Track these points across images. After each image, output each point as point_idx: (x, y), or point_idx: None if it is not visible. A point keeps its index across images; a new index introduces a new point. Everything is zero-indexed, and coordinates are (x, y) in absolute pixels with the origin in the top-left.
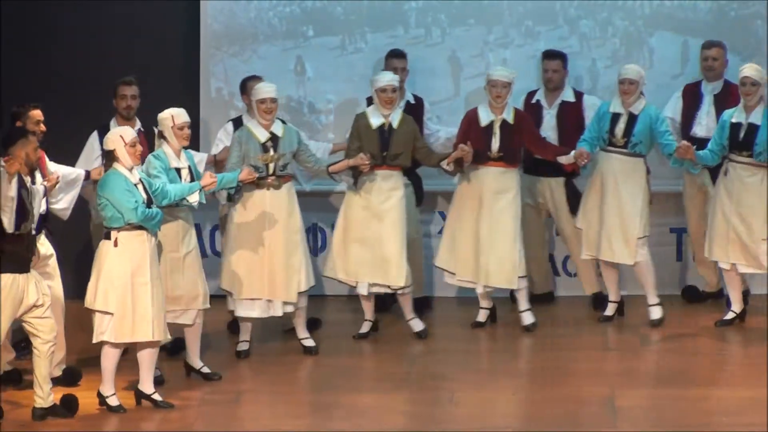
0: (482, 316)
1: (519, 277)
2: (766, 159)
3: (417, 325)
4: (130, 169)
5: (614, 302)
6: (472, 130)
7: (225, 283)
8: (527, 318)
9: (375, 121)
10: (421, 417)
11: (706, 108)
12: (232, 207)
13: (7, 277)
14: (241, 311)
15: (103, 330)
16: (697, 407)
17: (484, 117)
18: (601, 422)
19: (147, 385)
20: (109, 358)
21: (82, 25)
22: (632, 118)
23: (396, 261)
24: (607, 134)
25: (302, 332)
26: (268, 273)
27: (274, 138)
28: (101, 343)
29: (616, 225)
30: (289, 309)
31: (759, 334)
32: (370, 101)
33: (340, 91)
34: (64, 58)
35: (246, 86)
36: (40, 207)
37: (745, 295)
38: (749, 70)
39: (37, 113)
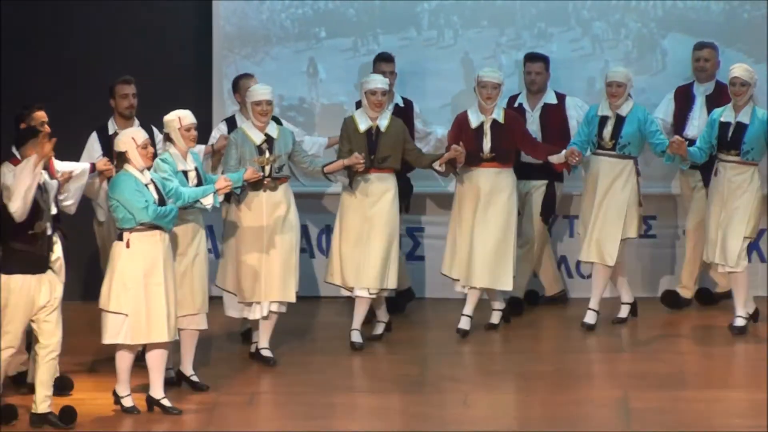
0: (495, 317)
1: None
2: (753, 158)
3: (356, 336)
4: (141, 171)
5: (627, 303)
6: (462, 132)
7: (228, 284)
8: (494, 317)
9: (362, 124)
10: (435, 419)
11: (698, 109)
12: (228, 208)
13: (17, 279)
14: (242, 314)
15: (118, 331)
16: (711, 409)
17: (474, 119)
18: (614, 424)
19: (157, 390)
20: (124, 360)
21: (93, 26)
22: (620, 120)
23: (374, 264)
24: (596, 137)
25: (264, 341)
26: (266, 274)
27: (269, 140)
28: (115, 345)
29: (602, 226)
30: (283, 309)
31: None
32: (358, 105)
33: (352, 93)
34: (74, 59)
35: (238, 84)
36: (52, 205)
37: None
38: (739, 70)
39: (41, 114)
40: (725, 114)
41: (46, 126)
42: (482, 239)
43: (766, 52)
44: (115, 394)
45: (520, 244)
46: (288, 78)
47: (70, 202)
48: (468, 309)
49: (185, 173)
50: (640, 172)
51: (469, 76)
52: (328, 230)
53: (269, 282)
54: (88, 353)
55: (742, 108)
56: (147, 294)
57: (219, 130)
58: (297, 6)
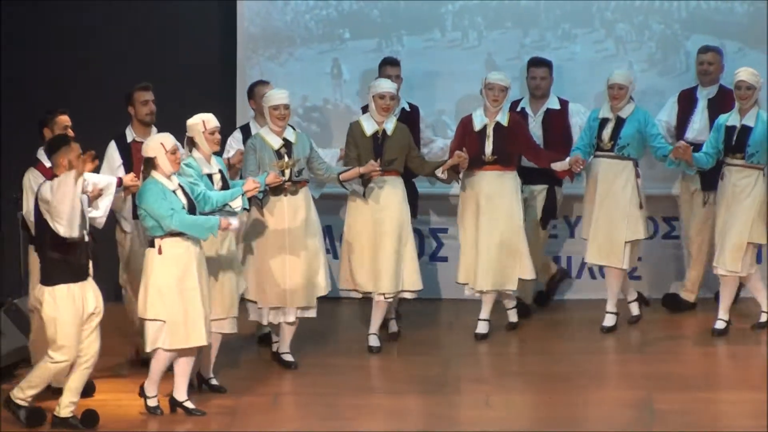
0: (512, 316)
1: (527, 279)
2: (759, 161)
3: (374, 341)
4: (169, 177)
5: (635, 300)
6: (467, 135)
7: (250, 292)
8: (511, 316)
9: (369, 128)
10: (457, 419)
11: (700, 112)
12: (249, 216)
13: (62, 289)
14: (270, 319)
15: (157, 338)
16: (735, 411)
17: (478, 121)
18: (637, 425)
19: (181, 393)
20: (160, 362)
21: (115, 28)
22: (620, 122)
23: (387, 267)
24: (596, 139)
25: (285, 346)
26: (290, 280)
27: (287, 144)
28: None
29: (603, 228)
30: (310, 314)
31: None
32: (364, 110)
33: None
34: (94, 61)
35: (253, 91)
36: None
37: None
38: (745, 74)
39: (64, 119)
40: (731, 118)
41: (70, 130)
42: (486, 243)
43: None
44: (142, 391)
45: None
46: (312, 79)
47: (99, 215)
48: (484, 313)
49: (210, 176)
50: (639, 174)
51: None
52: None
53: (294, 287)
54: (112, 355)
55: (747, 111)
56: (183, 299)
57: (234, 138)
58: (321, 7)
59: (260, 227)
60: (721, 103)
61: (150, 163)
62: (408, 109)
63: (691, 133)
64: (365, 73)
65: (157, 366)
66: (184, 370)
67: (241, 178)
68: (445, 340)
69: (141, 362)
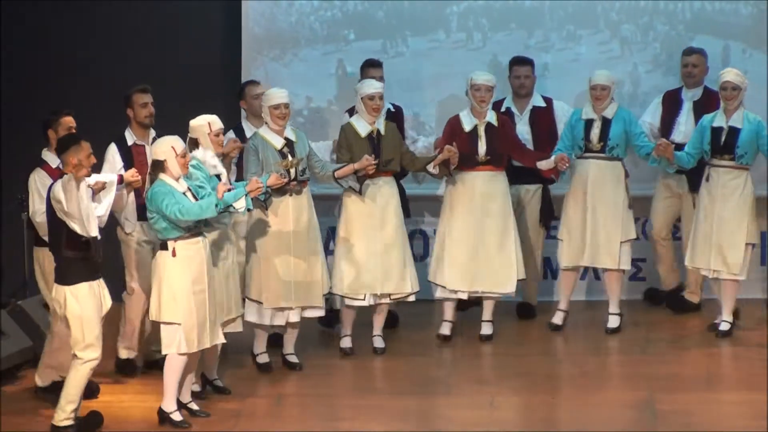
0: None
1: (518, 280)
2: (747, 162)
3: (379, 342)
4: (177, 179)
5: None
6: (455, 136)
7: (254, 293)
8: (485, 328)
9: (362, 130)
10: (462, 420)
11: (685, 114)
12: (251, 217)
13: (83, 287)
14: (273, 321)
15: (173, 341)
16: (736, 412)
17: (467, 122)
18: (640, 426)
19: (185, 394)
20: (174, 370)
21: (118, 29)
22: (606, 123)
23: (397, 270)
24: (583, 141)
25: (290, 347)
26: (295, 280)
27: (289, 143)
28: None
29: (598, 230)
30: (319, 313)
31: None
32: (350, 112)
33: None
34: (94, 61)
35: (243, 92)
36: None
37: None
38: (730, 74)
39: (69, 120)
40: (716, 119)
41: (74, 132)
42: (484, 244)
43: None
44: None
45: (524, 253)
46: (316, 80)
47: (100, 212)
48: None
49: (218, 176)
50: (628, 173)
51: (499, 79)
52: None
53: (300, 288)
54: (115, 356)
55: (733, 112)
56: (196, 301)
57: (227, 138)
58: (326, 8)
59: (264, 228)
60: (706, 104)
61: (159, 166)
62: (393, 110)
63: (677, 136)
64: None
65: (171, 375)
66: (188, 369)
67: (241, 178)
68: (449, 341)
69: (145, 365)
